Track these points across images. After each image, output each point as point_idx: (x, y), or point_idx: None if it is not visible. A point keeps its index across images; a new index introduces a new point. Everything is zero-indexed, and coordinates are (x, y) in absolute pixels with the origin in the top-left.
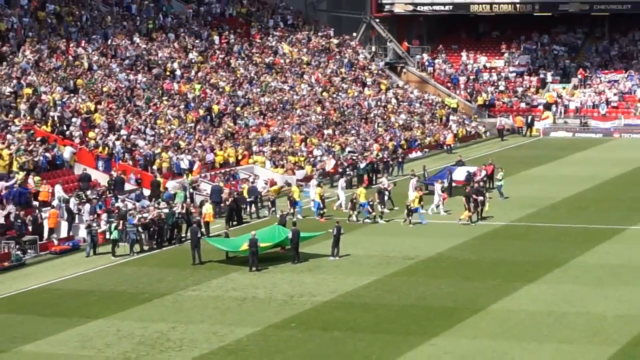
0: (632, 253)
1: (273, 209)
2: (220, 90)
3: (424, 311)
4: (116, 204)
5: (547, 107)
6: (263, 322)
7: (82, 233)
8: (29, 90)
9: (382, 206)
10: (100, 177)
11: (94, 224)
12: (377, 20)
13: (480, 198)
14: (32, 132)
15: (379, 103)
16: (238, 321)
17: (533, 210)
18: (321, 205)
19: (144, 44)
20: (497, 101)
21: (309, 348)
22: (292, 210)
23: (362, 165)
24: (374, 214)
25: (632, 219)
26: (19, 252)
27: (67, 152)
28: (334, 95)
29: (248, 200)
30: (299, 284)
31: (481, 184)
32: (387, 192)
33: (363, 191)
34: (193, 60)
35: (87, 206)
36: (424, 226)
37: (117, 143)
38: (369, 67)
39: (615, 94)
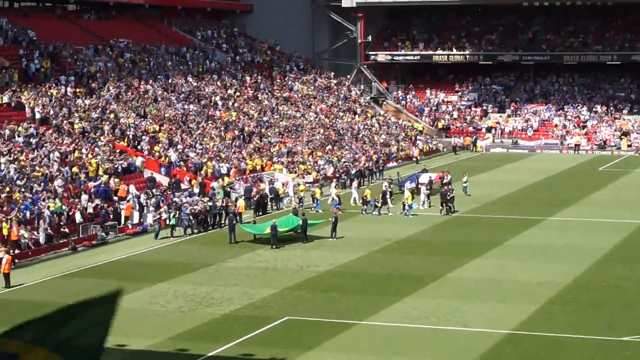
0: (549, 237)
1: (300, 203)
2: (250, 116)
3: (398, 278)
4: (174, 199)
5: (488, 130)
6: (280, 285)
7: (149, 220)
8: (111, 116)
9: (384, 203)
10: (162, 179)
11: (159, 214)
12: (365, 66)
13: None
14: (113, 146)
15: (365, 126)
16: (262, 285)
17: (478, 205)
18: (340, 201)
19: (195, 82)
20: (451, 126)
21: (314, 304)
22: (313, 205)
23: (352, 172)
24: (379, 207)
25: (549, 212)
26: (102, 234)
27: (138, 161)
28: (333, 121)
29: (270, 196)
30: (307, 258)
31: (449, 187)
32: (388, 192)
33: (369, 191)
34: (230, 94)
35: (153, 200)
36: (400, 216)
37: (175, 154)
38: (359, 100)
39: (537, 121)
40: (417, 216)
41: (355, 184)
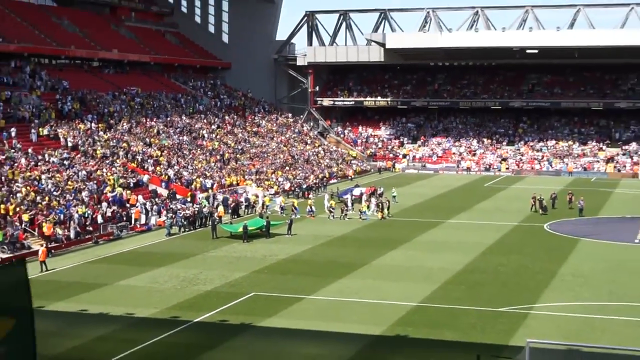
0: (447, 234)
1: (264, 209)
2: (228, 145)
3: (336, 265)
4: (171, 206)
5: (404, 156)
6: (249, 269)
7: (153, 221)
8: (124, 144)
9: (347, 210)
10: (163, 192)
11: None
12: (314, 109)
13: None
14: (126, 167)
15: (313, 153)
16: (236, 269)
17: (396, 211)
18: (312, 209)
19: (187, 120)
20: (377, 153)
21: (274, 283)
22: (293, 212)
23: (304, 186)
24: (342, 214)
25: (448, 216)
26: (117, 231)
27: (145, 178)
28: (290, 149)
29: (244, 204)
30: (269, 250)
31: (384, 197)
32: (350, 202)
33: (333, 202)
34: (214, 129)
35: (155, 207)
36: (339, 220)
37: (172, 173)
38: (309, 134)
39: (440, 150)
40: (352, 219)
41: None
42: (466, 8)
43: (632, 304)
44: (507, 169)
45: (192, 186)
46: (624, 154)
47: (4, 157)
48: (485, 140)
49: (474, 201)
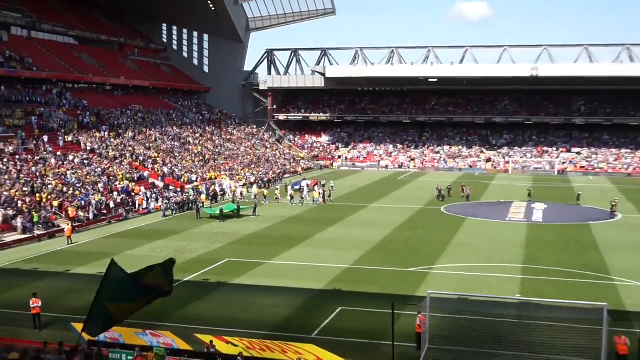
0: (371, 215)
1: (234, 196)
2: (209, 149)
3: (289, 238)
4: (166, 194)
5: (339, 157)
6: (224, 242)
7: (152, 206)
8: (130, 148)
9: (306, 197)
10: (159, 184)
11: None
12: (272, 122)
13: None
14: (131, 165)
15: (272, 155)
16: (214, 242)
17: (335, 197)
18: (278, 197)
19: (178, 130)
20: (319, 155)
21: (243, 252)
22: (264, 200)
23: (265, 180)
24: (304, 201)
25: (371, 201)
26: (125, 214)
27: (145, 173)
28: (254, 152)
29: (220, 193)
30: (239, 227)
31: (322, 188)
32: (305, 191)
33: (292, 190)
34: (198, 137)
35: (154, 195)
36: (296, 205)
37: (166, 170)
38: (269, 140)
39: (365, 152)
40: (301, 205)
41: (255, 187)
42: (384, 48)
43: (503, 265)
44: (414, 166)
45: (181, 180)
46: (498, 155)
47: (38, 157)
48: (398, 145)
49: (390, 190)
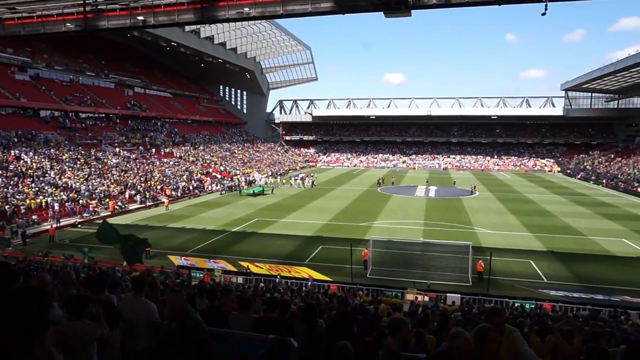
0: (339, 194)
1: (261, 183)
2: (246, 156)
3: (292, 207)
4: (222, 182)
5: (320, 161)
6: (255, 209)
7: (214, 188)
8: (201, 156)
9: (305, 183)
10: (218, 176)
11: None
12: (282, 141)
13: (314, 179)
14: (202, 165)
15: (283, 159)
16: (249, 208)
17: (317, 183)
18: (291, 183)
19: (229, 145)
20: (309, 159)
21: (265, 214)
22: (281, 184)
23: (278, 173)
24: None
25: (339, 185)
26: (198, 192)
27: (210, 170)
28: (272, 158)
29: (252, 180)
30: (264, 200)
31: (314, 179)
32: (300, 180)
33: (290, 179)
34: (240, 149)
35: (215, 182)
36: (297, 188)
37: (222, 168)
38: (280, 151)
39: (334, 158)
40: (299, 188)
41: (265, 176)
42: (345, 99)
43: (412, 221)
44: (362, 166)
45: (231, 173)
46: (409, 159)
47: (149, 161)
48: (354, 153)
49: (349, 179)
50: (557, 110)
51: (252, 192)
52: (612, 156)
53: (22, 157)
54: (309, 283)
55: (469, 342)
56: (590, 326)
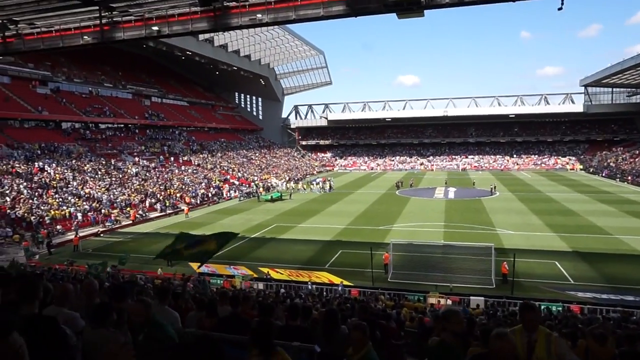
0: (357, 197)
1: (279, 188)
2: (264, 162)
3: (309, 211)
4: (240, 188)
5: (337, 164)
6: (274, 214)
7: (232, 195)
8: (219, 163)
9: (319, 189)
10: (236, 182)
11: (243, 192)
12: (299, 145)
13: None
14: (220, 172)
15: (300, 164)
16: (268, 214)
17: (335, 187)
18: (311, 188)
19: (245, 152)
20: (325, 163)
21: (284, 220)
22: (301, 190)
23: (296, 178)
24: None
25: (357, 189)
26: (217, 199)
27: (228, 177)
28: (289, 163)
29: (270, 186)
30: (282, 206)
31: (331, 183)
32: (315, 184)
33: (307, 185)
34: (257, 155)
35: (233, 189)
36: (316, 192)
37: (240, 174)
38: (297, 156)
39: (351, 161)
40: (317, 192)
41: (283, 182)
42: (360, 102)
43: (432, 223)
44: (379, 169)
45: (248, 179)
46: (427, 161)
47: (168, 169)
48: (370, 157)
49: (366, 182)
50: (577, 107)
51: (270, 197)
52: (637, 152)
53: (46, 169)
54: (340, 288)
55: (511, 344)
56: (622, 329)
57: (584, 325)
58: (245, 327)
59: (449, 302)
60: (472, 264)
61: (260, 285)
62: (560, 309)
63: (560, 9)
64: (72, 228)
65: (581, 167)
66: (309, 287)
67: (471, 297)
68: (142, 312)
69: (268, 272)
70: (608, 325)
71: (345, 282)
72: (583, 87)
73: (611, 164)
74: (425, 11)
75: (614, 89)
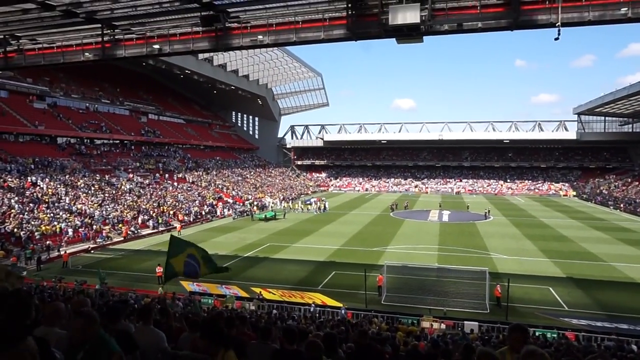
0: (350, 218)
1: (272, 207)
2: (258, 181)
3: (304, 231)
4: (234, 206)
5: (332, 185)
6: (267, 234)
7: (226, 213)
8: (214, 181)
9: (314, 209)
10: (230, 200)
11: (237, 211)
12: (294, 165)
13: (324, 204)
14: (214, 190)
15: (294, 184)
16: (260, 233)
17: (329, 208)
18: (305, 209)
19: (241, 171)
20: (320, 184)
21: (278, 239)
22: (297, 210)
23: (290, 198)
24: (313, 211)
25: (350, 210)
26: (211, 217)
27: (222, 195)
28: (284, 182)
29: (264, 205)
30: (276, 225)
31: (325, 203)
32: (313, 204)
33: (302, 204)
34: (252, 174)
35: (227, 207)
36: (310, 212)
37: (234, 193)
38: (292, 176)
39: (346, 182)
40: (311, 212)
41: (277, 200)
42: (356, 124)
43: (426, 246)
44: (374, 190)
45: (242, 198)
46: (421, 184)
47: (162, 186)
48: (364, 178)
49: (361, 204)
50: (571, 134)
51: (264, 216)
52: (630, 180)
53: (39, 184)
54: (342, 311)
55: None
56: (618, 358)
57: (581, 354)
58: (242, 350)
59: (443, 326)
60: (466, 288)
61: (252, 306)
62: (555, 335)
63: (557, 39)
64: (62, 243)
65: (574, 193)
66: (311, 309)
67: (465, 322)
68: (80, 327)
69: (260, 292)
70: (607, 356)
71: (332, 303)
72: (576, 115)
73: (604, 191)
74: (424, 37)
75: (607, 118)
